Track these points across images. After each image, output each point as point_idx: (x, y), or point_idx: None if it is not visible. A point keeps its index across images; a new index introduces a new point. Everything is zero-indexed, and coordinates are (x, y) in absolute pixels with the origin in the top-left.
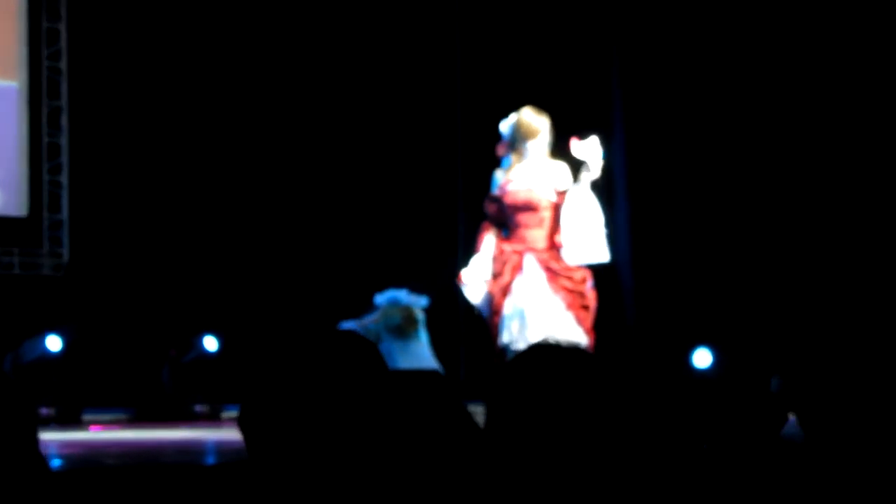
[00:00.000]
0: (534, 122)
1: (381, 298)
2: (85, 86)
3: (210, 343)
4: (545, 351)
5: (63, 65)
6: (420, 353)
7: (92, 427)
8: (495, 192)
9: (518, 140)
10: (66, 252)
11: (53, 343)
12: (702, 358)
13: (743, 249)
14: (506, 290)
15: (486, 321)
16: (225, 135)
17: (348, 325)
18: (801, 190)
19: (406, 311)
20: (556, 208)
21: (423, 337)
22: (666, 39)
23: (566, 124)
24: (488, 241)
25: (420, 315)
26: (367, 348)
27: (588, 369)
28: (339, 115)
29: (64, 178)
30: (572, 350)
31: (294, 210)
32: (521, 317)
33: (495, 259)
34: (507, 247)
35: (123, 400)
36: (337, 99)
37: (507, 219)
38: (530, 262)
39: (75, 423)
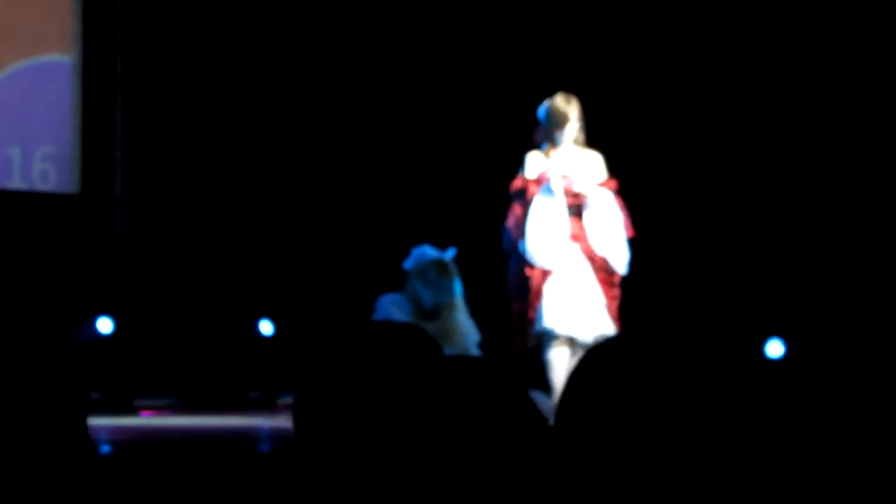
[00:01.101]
0: (562, 108)
1: (408, 263)
2: (140, 61)
3: (266, 327)
4: (621, 345)
5: (119, 39)
6: (459, 318)
7: (143, 413)
8: (529, 175)
9: (550, 127)
10: (118, 231)
11: (105, 325)
12: (775, 348)
13: (817, 238)
14: (546, 274)
15: (516, 301)
16: (280, 116)
17: (388, 298)
18: (878, 179)
19: (436, 263)
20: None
21: (458, 288)
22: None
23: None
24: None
25: (452, 265)
26: (425, 342)
27: (666, 363)
28: (378, 101)
29: (118, 155)
30: (649, 344)
31: (341, 188)
32: (562, 302)
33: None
34: None
35: (176, 385)
36: (378, 86)
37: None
38: (575, 250)
39: (126, 408)
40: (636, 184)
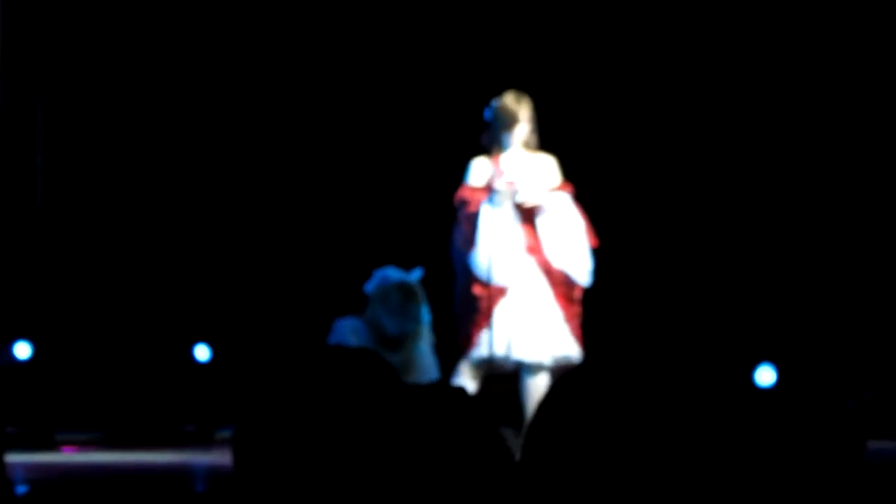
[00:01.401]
0: (510, 108)
1: (369, 286)
2: (63, 58)
3: (201, 352)
4: (590, 374)
5: (38, 34)
6: (424, 349)
7: (65, 448)
8: (473, 183)
9: (497, 129)
10: (38, 244)
11: (22, 350)
12: (765, 375)
13: (808, 260)
14: (497, 295)
15: (463, 323)
16: (218, 118)
17: (346, 323)
18: (871, 204)
19: (400, 287)
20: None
21: (425, 316)
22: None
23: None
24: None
25: (419, 288)
26: (380, 366)
27: (639, 393)
28: (324, 117)
29: (38, 160)
30: (620, 372)
31: (280, 206)
32: (515, 324)
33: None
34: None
35: (101, 418)
36: (323, 103)
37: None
38: (530, 264)
39: (46, 443)
40: (596, 189)
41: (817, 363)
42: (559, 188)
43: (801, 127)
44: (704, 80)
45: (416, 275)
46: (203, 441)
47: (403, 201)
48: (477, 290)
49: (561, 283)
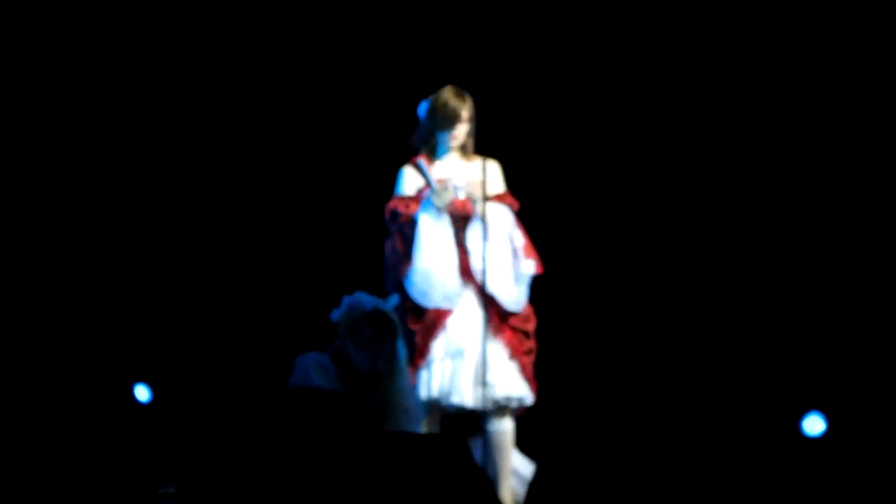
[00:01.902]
0: (452, 104)
1: (337, 314)
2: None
3: (141, 393)
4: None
5: None
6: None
7: None
8: (405, 192)
9: (433, 127)
10: None
11: None
12: (813, 424)
13: (857, 308)
14: (435, 327)
15: None
16: (158, 123)
17: (310, 358)
18: None
19: (375, 316)
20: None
21: (402, 350)
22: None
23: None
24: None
25: (394, 318)
26: (352, 411)
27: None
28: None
29: None
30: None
31: (229, 223)
32: (454, 363)
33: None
34: None
35: (16, 471)
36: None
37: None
38: (468, 292)
39: None
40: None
41: (870, 411)
42: (501, 197)
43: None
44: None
45: (391, 302)
46: (143, 499)
47: (334, 214)
48: (412, 323)
49: (510, 313)
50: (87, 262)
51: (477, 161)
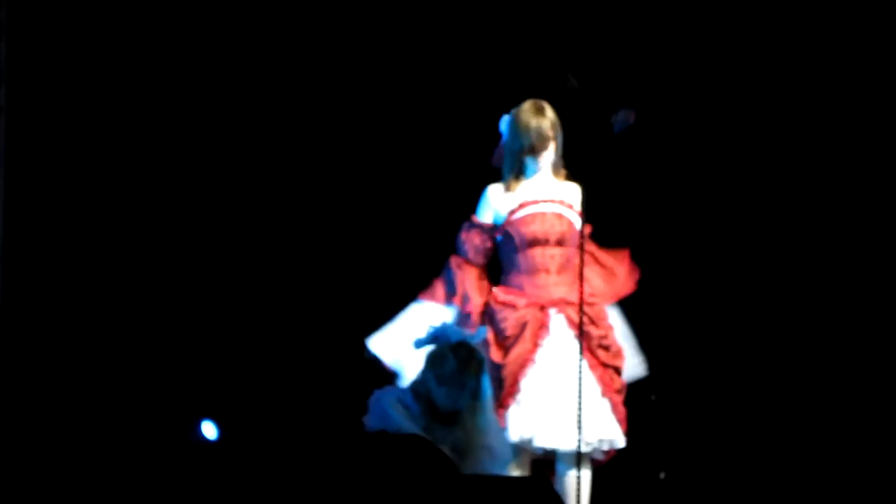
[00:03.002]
0: (543, 125)
1: (420, 342)
2: (27, 62)
3: (208, 430)
4: None
5: None
6: (488, 419)
7: None
8: (488, 218)
9: (528, 148)
10: None
11: None
12: None
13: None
14: (525, 363)
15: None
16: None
17: (389, 394)
18: None
19: (460, 350)
20: (580, 245)
21: (487, 386)
22: None
23: None
24: (469, 282)
25: (481, 353)
26: (437, 461)
27: None
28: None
29: None
30: None
31: (308, 229)
32: (545, 401)
33: (498, 317)
34: (520, 300)
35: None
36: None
37: (511, 258)
38: (558, 323)
39: None
40: None
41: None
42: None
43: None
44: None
45: (479, 335)
46: None
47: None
48: (498, 356)
49: (599, 347)
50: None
51: (570, 182)
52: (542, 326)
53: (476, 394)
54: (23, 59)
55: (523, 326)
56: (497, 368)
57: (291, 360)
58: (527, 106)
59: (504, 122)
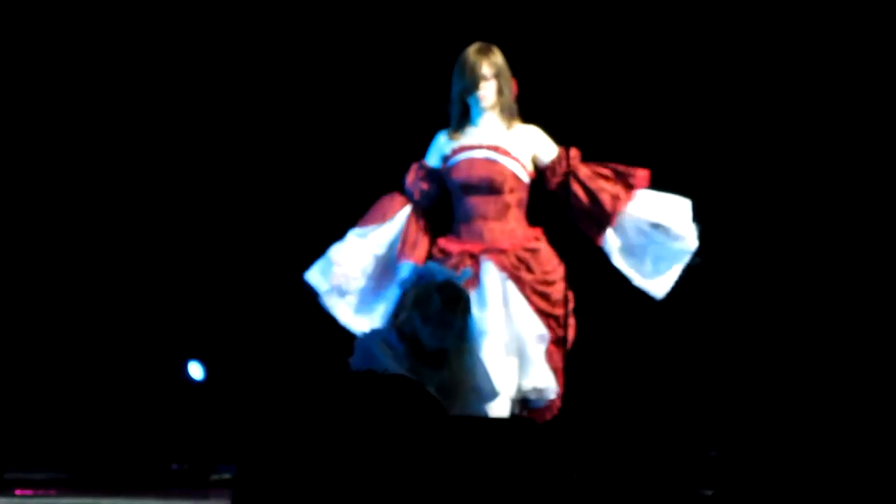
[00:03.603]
0: (481, 63)
1: (406, 282)
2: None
3: (195, 370)
4: None
5: None
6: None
7: (18, 491)
8: (433, 162)
9: (463, 89)
10: None
11: None
12: None
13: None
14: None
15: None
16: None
17: (375, 334)
18: None
19: (446, 288)
20: (527, 191)
21: (473, 326)
22: None
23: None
24: (403, 214)
25: (467, 292)
26: (423, 400)
27: None
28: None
29: None
30: None
31: (285, 198)
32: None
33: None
34: (454, 246)
35: (64, 454)
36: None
37: (453, 205)
38: (491, 272)
39: None
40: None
41: None
42: (568, 154)
43: None
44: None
45: (465, 274)
46: (195, 484)
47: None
48: None
49: (534, 294)
50: (140, 241)
51: (519, 126)
52: (473, 278)
53: (462, 334)
54: None
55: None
56: None
57: (276, 300)
58: (471, 47)
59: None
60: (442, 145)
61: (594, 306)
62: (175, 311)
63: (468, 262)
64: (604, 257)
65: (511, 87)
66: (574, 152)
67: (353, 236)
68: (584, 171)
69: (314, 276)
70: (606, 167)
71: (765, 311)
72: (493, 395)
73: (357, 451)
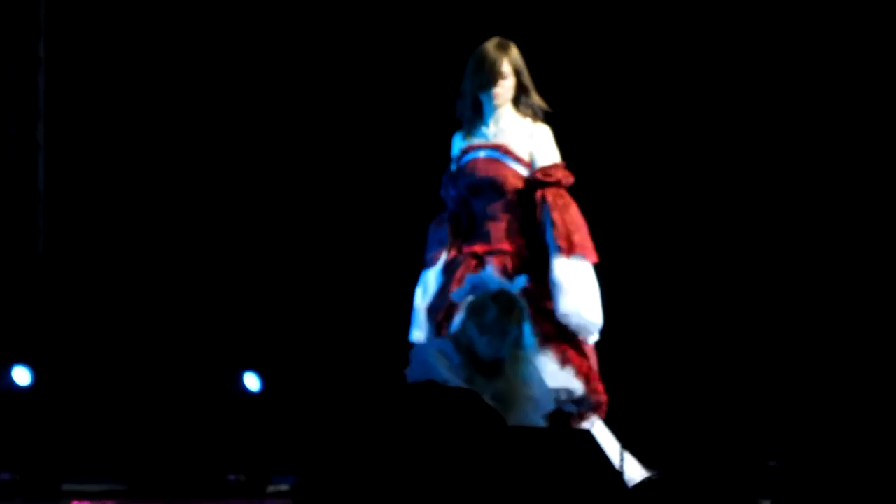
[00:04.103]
0: (494, 59)
1: (459, 293)
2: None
3: (251, 382)
4: None
5: None
6: (529, 370)
7: (75, 502)
8: (453, 166)
9: (476, 86)
10: (40, 245)
11: (21, 376)
12: None
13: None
14: (450, 313)
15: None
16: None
17: (431, 345)
18: None
19: (501, 298)
20: (533, 192)
21: (529, 334)
22: None
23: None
24: (441, 237)
25: (522, 301)
26: (482, 412)
27: None
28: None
29: (40, 133)
30: None
31: (353, 189)
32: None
33: (445, 269)
34: (465, 248)
35: (121, 463)
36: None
37: (462, 206)
38: (491, 274)
39: (52, 494)
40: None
41: None
42: (553, 170)
43: None
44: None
45: (519, 282)
46: (252, 495)
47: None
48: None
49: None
50: (197, 252)
51: (529, 122)
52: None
53: (518, 342)
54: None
55: (452, 276)
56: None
57: (333, 312)
58: (489, 43)
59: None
60: (456, 146)
61: (630, 306)
62: (231, 321)
63: (472, 263)
64: (620, 256)
65: (532, 84)
66: (563, 175)
67: (430, 273)
68: (552, 198)
69: (417, 335)
70: (570, 224)
71: (831, 315)
72: (549, 404)
73: (417, 462)
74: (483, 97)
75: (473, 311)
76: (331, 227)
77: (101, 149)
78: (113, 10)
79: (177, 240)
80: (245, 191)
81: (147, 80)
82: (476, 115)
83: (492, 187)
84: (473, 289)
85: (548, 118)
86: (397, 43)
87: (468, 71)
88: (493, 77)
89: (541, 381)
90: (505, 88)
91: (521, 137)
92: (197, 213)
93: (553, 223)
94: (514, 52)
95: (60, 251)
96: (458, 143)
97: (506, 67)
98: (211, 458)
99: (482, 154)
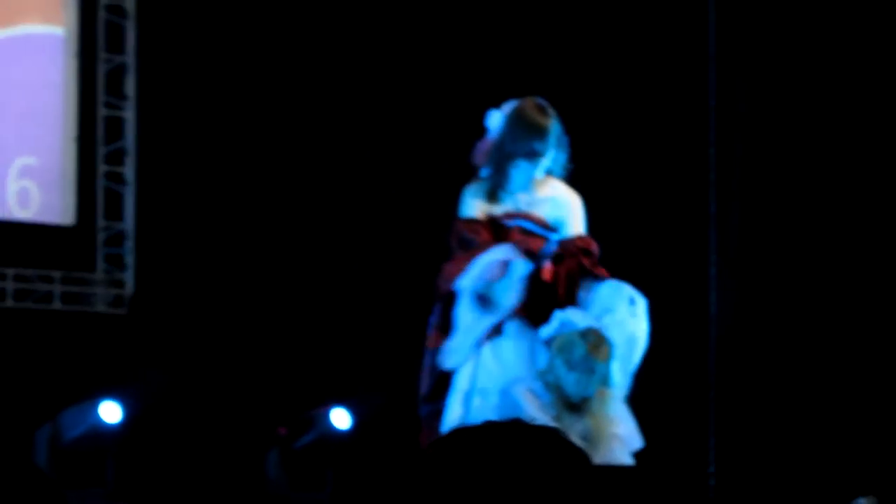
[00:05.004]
0: (539, 119)
1: (547, 331)
2: (160, 35)
3: (340, 419)
4: None
5: (129, 5)
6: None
7: None
8: (478, 215)
9: (528, 150)
10: (129, 278)
11: (109, 413)
12: None
13: None
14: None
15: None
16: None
17: (515, 381)
18: None
19: (589, 335)
20: (562, 263)
21: (616, 376)
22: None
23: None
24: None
25: (610, 338)
26: (569, 451)
27: None
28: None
29: (129, 171)
30: None
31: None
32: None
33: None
34: None
35: (209, 496)
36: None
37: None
38: (513, 328)
39: None
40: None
41: None
42: (579, 242)
43: None
44: None
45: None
46: None
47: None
48: (431, 342)
49: None
50: (284, 287)
51: (560, 189)
52: (496, 331)
53: (606, 380)
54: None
55: None
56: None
57: (417, 348)
58: (529, 104)
59: (494, 118)
60: (480, 202)
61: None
62: (319, 356)
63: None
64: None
65: (568, 149)
66: (588, 244)
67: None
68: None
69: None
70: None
71: None
72: (636, 442)
73: (502, 502)
74: (522, 160)
75: (561, 348)
76: (418, 259)
77: (190, 185)
78: (202, 46)
79: (266, 273)
80: (330, 231)
81: (237, 115)
82: (500, 174)
83: (529, 254)
84: (562, 326)
85: None
86: (398, 43)
87: (511, 131)
88: (544, 146)
89: (627, 420)
90: (549, 157)
91: (552, 206)
92: (285, 249)
93: None
94: (554, 116)
95: (150, 287)
96: (483, 202)
97: (552, 137)
98: (297, 493)
99: (522, 224)
